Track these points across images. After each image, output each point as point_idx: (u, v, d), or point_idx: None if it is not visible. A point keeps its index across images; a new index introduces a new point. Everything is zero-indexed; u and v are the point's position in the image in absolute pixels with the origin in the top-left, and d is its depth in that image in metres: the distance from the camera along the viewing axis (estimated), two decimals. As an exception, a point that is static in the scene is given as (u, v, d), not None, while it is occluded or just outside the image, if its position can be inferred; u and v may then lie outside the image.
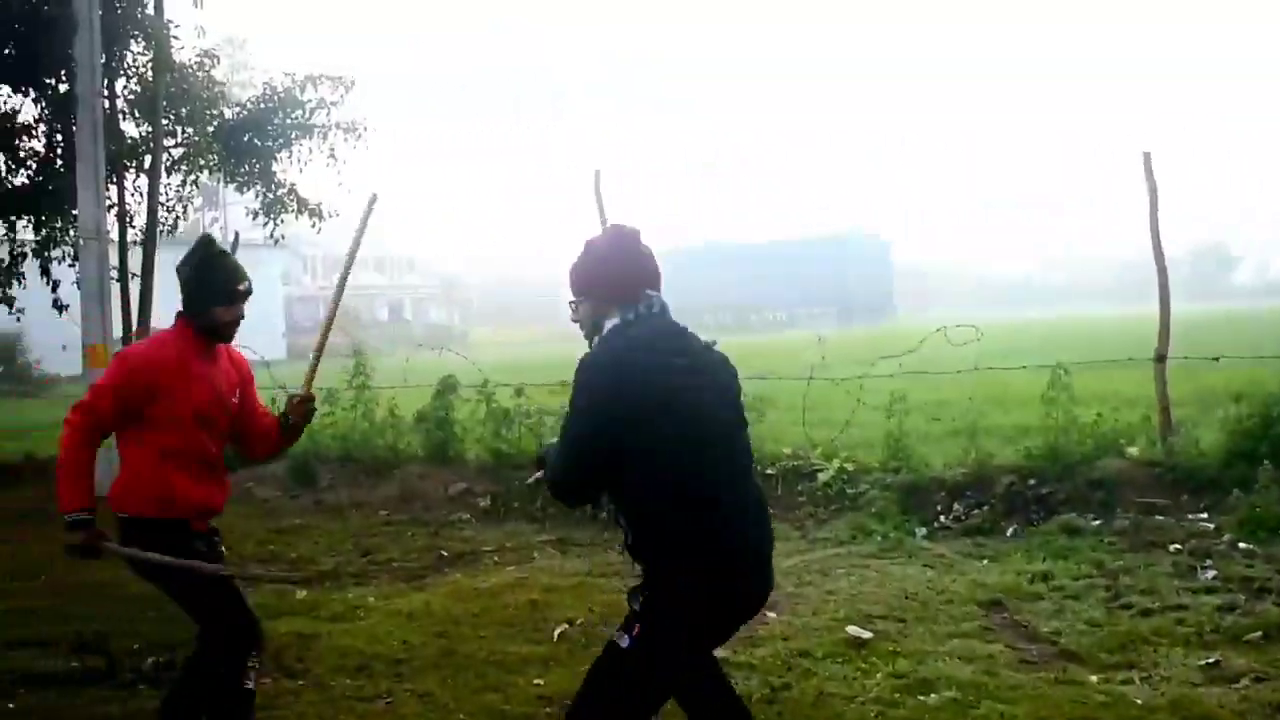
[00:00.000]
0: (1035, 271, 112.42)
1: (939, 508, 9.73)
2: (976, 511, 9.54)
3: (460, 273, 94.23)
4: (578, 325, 4.03)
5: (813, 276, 75.42)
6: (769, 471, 10.51)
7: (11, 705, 5.96)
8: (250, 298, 4.75)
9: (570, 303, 4.03)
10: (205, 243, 4.80)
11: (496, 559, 9.29)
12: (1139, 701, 5.38)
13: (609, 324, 3.87)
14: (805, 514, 9.92)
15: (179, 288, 4.71)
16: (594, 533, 10.05)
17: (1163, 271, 10.20)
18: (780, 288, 75.01)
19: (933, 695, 5.52)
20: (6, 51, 15.16)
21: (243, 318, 4.73)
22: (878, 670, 5.90)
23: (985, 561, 8.37)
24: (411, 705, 5.73)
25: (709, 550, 3.67)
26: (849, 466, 10.35)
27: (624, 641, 3.69)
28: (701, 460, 3.69)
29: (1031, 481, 9.73)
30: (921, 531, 9.26)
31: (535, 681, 6.03)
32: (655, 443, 3.64)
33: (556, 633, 6.94)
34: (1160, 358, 10.07)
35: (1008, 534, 9.14)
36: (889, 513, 9.44)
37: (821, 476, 10.28)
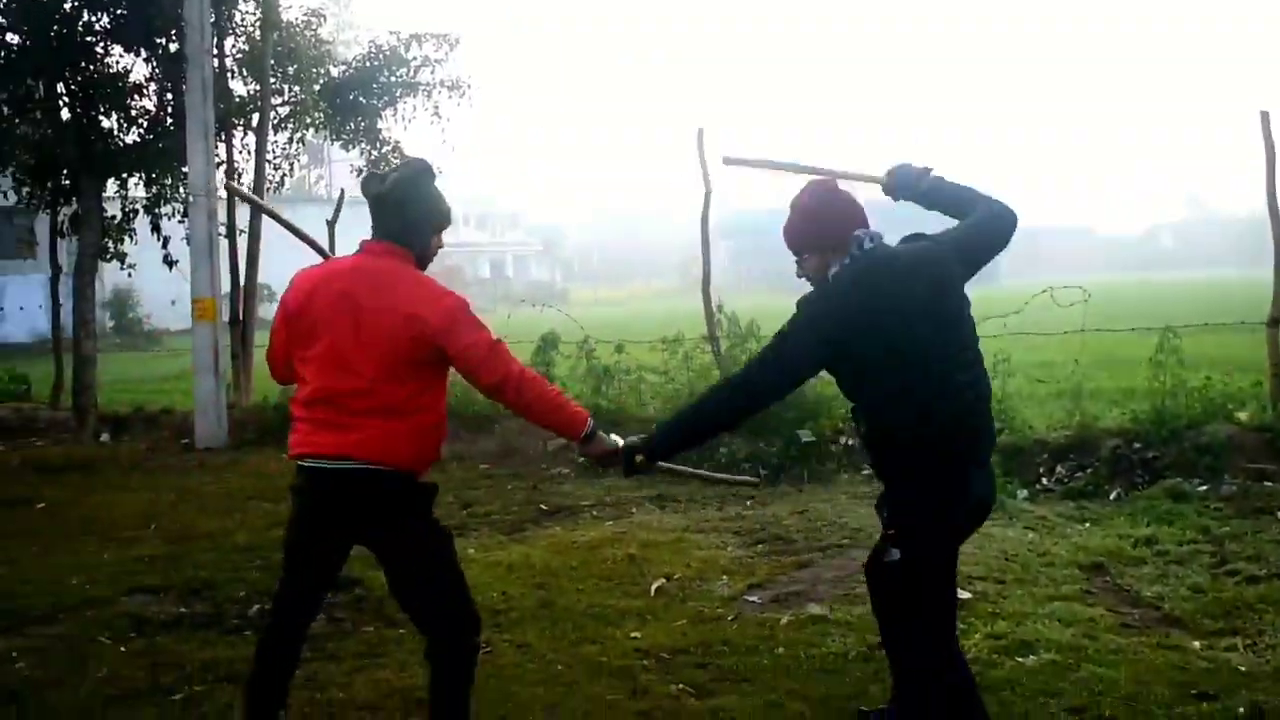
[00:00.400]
0: (1148, 234, 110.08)
1: (1041, 470, 9.63)
2: (1080, 474, 9.42)
3: (562, 230, 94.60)
4: (806, 279, 4.26)
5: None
6: (868, 431, 10.43)
7: (123, 649, 6.13)
8: None
9: (796, 260, 4.27)
10: (427, 166, 4.38)
11: (595, 513, 9.37)
12: (1242, 669, 5.30)
13: (834, 269, 4.11)
14: (904, 474, 9.86)
15: (387, 215, 4.23)
16: (691, 489, 10.08)
17: (1279, 234, 9.95)
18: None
19: (1031, 657, 5.48)
20: (119, 12, 15.43)
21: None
22: (976, 631, 5.86)
23: (1087, 525, 8.27)
24: (510, 655, 5.81)
25: (949, 446, 3.98)
26: (949, 426, 10.24)
27: (893, 556, 4.00)
28: (939, 359, 3.99)
29: (1137, 445, 9.58)
30: (1023, 494, 9.17)
31: (632, 634, 6.08)
32: (893, 352, 3.92)
33: (654, 587, 6.99)
34: (1274, 321, 9.83)
35: (1111, 498, 9.02)
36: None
37: (922, 437, 10.19)
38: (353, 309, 4.06)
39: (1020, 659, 5.44)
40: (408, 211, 4.19)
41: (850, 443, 10.39)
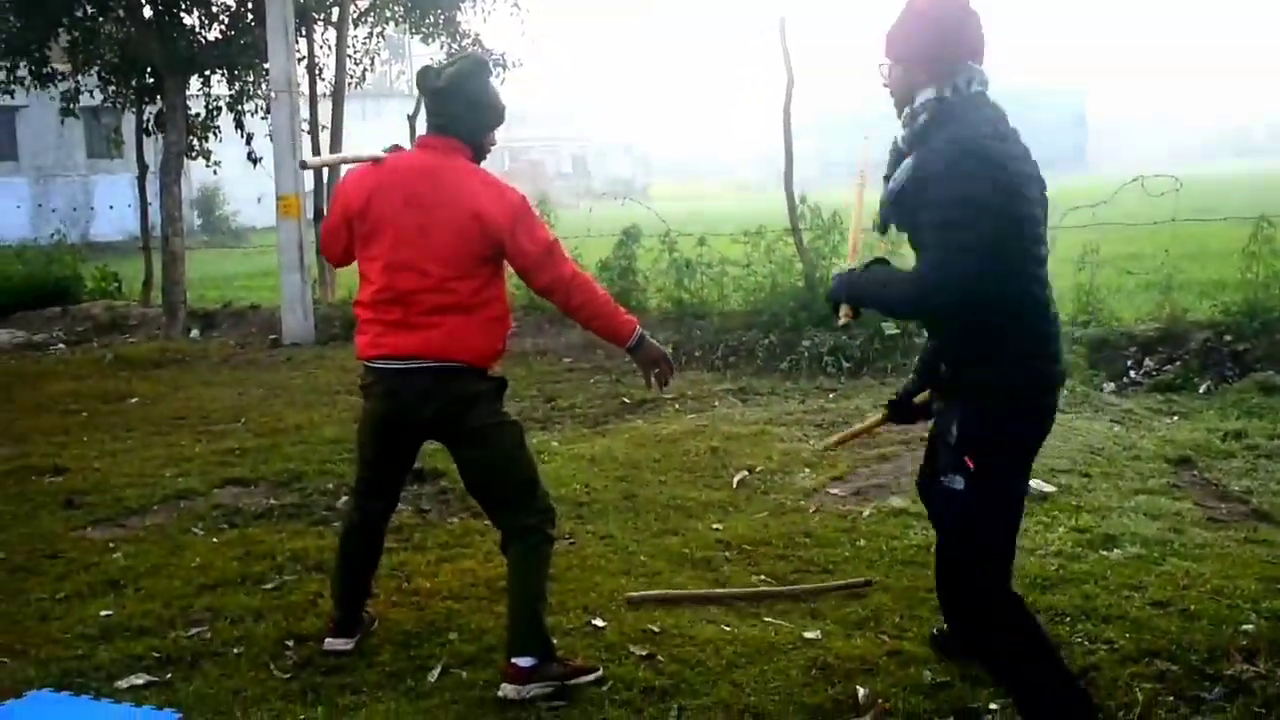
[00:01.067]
0: (1241, 125, 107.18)
1: (1129, 363, 9.50)
2: (1168, 367, 9.29)
3: (643, 126, 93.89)
4: (887, 90, 3.71)
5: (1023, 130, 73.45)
6: (952, 323, 10.36)
7: (216, 539, 6.28)
8: None
9: (880, 65, 3.69)
10: (484, 61, 4.41)
11: (677, 407, 9.40)
12: (1333, 561, 5.25)
13: (921, 97, 3.54)
14: (989, 367, 9.78)
15: (443, 109, 4.21)
16: (774, 382, 10.09)
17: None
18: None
19: (1116, 550, 5.45)
20: (199, -93, 15.43)
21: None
22: (1060, 524, 5.84)
23: (1175, 418, 8.18)
24: (593, 546, 5.87)
25: (1043, 364, 3.61)
26: (1036, 319, 10.13)
27: (957, 484, 3.53)
28: (1044, 262, 3.59)
29: (1227, 338, 9.42)
30: (1110, 386, 9.07)
31: (714, 526, 6.13)
32: (1011, 242, 3.39)
33: (736, 479, 7.02)
34: (1371, 209, 9.59)
35: (1200, 391, 8.90)
36: (1076, 366, 9.23)
37: (1007, 329, 10.09)
38: (418, 207, 4.09)
39: (1105, 553, 5.42)
40: (463, 106, 4.18)
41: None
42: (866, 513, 6.20)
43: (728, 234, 12.09)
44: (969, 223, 3.28)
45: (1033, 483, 6.42)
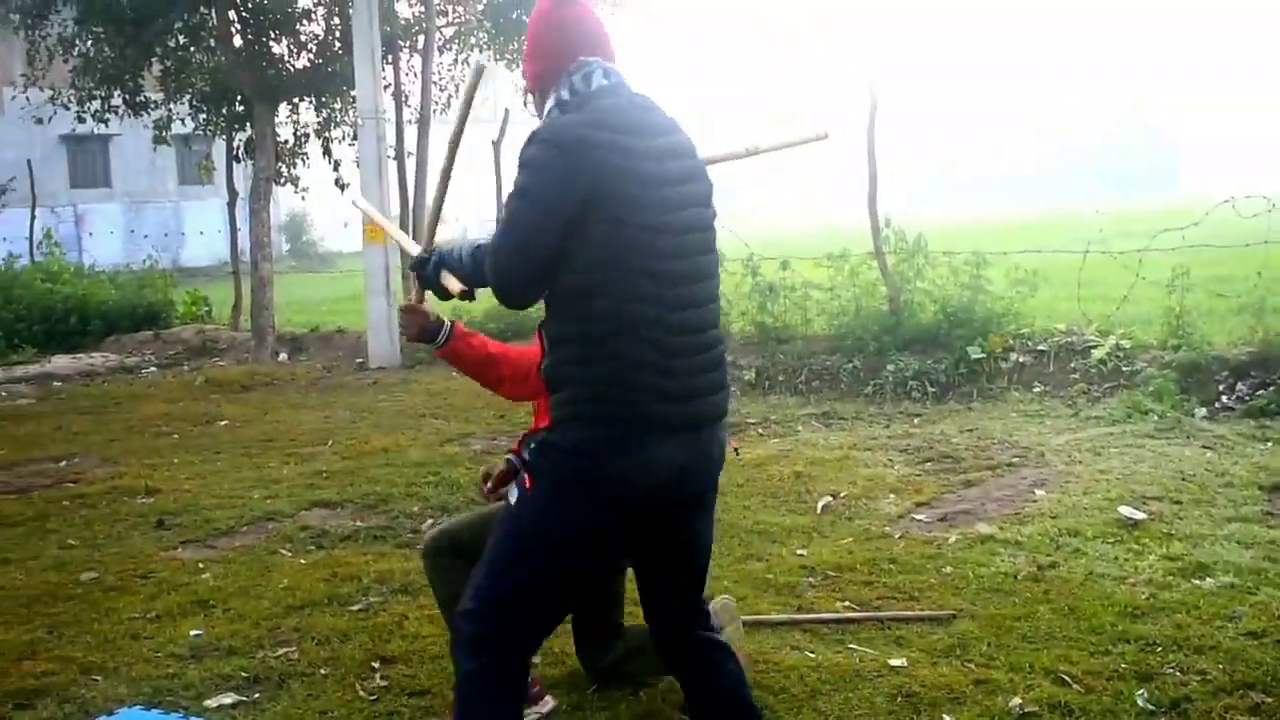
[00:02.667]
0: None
1: (1220, 388, 9.33)
2: (1262, 392, 9.10)
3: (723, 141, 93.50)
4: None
5: (1088, 148, 72.75)
6: (1040, 347, 10.27)
7: (303, 560, 6.36)
8: None
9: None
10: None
11: (760, 431, 9.38)
12: None
13: (550, 100, 3.28)
14: (1077, 391, 9.68)
15: None
16: (858, 407, 10.04)
17: None
18: (1048, 159, 72.73)
19: (1208, 579, 5.35)
20: (288, -62, 15.72)
21: None
22: (1150, 552, 5.75)
23: (1269, 444, 8.01)
24: (677, 571, 5.87)
25: (643, 397, 3.07)
26: (1125, 343, 10.01)
27: (512, 496, 3.19)
28: (672, 279, 3.11)
29: (1322, 362, 9.23)
30: (1201, 412, 8.92)
31: (798, 552, 6.10)
32: (608, 245, 3.03)
33: (820, 505, 6.99)
34: None
35: (1295, 416, 8.73)
36: (1166, 391, 9.11)
37: (1096, 353, 9.97)
38: None
39: (1196, 581, 5.33)
40: None
41: (1022, 360, 10.22)
42: (952, 539, 6.15)
43: (811, 258, 12.05)
44: (522, 216, 3.04)
45: (1123, 509, 6.35)
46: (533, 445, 3.19)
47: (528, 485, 3.14)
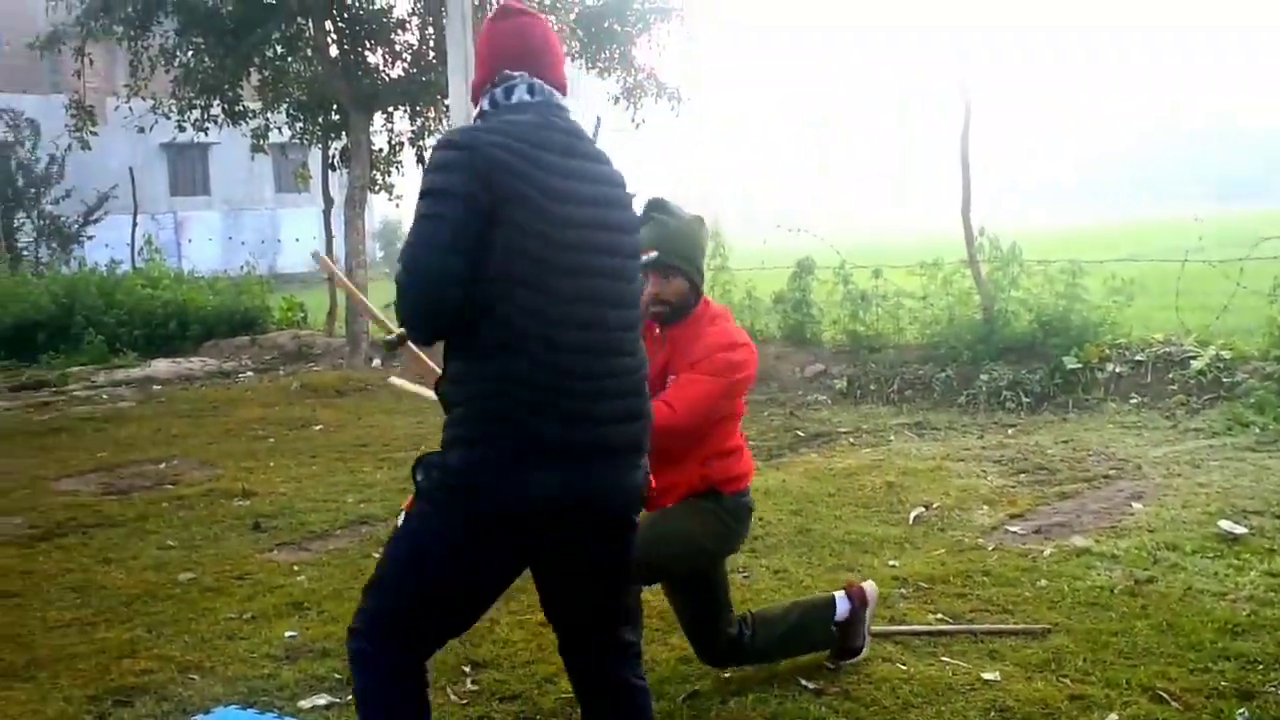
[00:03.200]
0: None
1: (1323, 400, 9.14)
2: (1368, 404, 8.90)
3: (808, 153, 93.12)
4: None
5: (1189, 158, 71.61)
6: (1137, 358, 10.12)
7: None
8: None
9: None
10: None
11: (852, 440, 9.33)
12: None
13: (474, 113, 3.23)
14: (1176, 403, 9.51)
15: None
16: (951, 417, 9.96)
17: None
18: (1152, 166, 71.66)
19: (1313, 595, 5.24)
20: (383, -52, 15.90)
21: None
22: (1251, 568, 5.63)
23: (1377, 458, 7.83)
24: (767, 580, 5.85)
25: (531, 417, 2.92)
26: (1225, 354, 9.82)
27: (399, 519, 3.12)
28: (563, 295, 2.96)
29: None
30: (1305, 425, 8.73)
31: (890, 563, 6.05)
32: (508, 251, 2.90)
33: (912, 515, 6.93)
34: None
35: (1403, 429, 8.51)
36: (1269, 404, 8.92)
37: (1195, 364, 9.80)
38: None
39: (1300, 597, 5.21)
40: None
41: (1119, 370, 10.07)
42: (1047, 552, 6.06)
43: (903, 266, 11.97)
44: (433, 212, 2.90)
45: (1223, 524, 6.24)
46: (419, 464, 3.05)
47: (408, 505, 3.08)
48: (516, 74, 3.16)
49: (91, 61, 16.55)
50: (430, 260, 2.88)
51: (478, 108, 3.21)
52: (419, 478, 3.02)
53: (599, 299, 3.03)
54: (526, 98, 3.14)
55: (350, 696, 4.57)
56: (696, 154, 67.17)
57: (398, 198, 18.75)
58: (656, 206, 4.20)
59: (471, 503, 2.93)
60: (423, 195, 2.96)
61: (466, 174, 2.90)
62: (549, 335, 2.93)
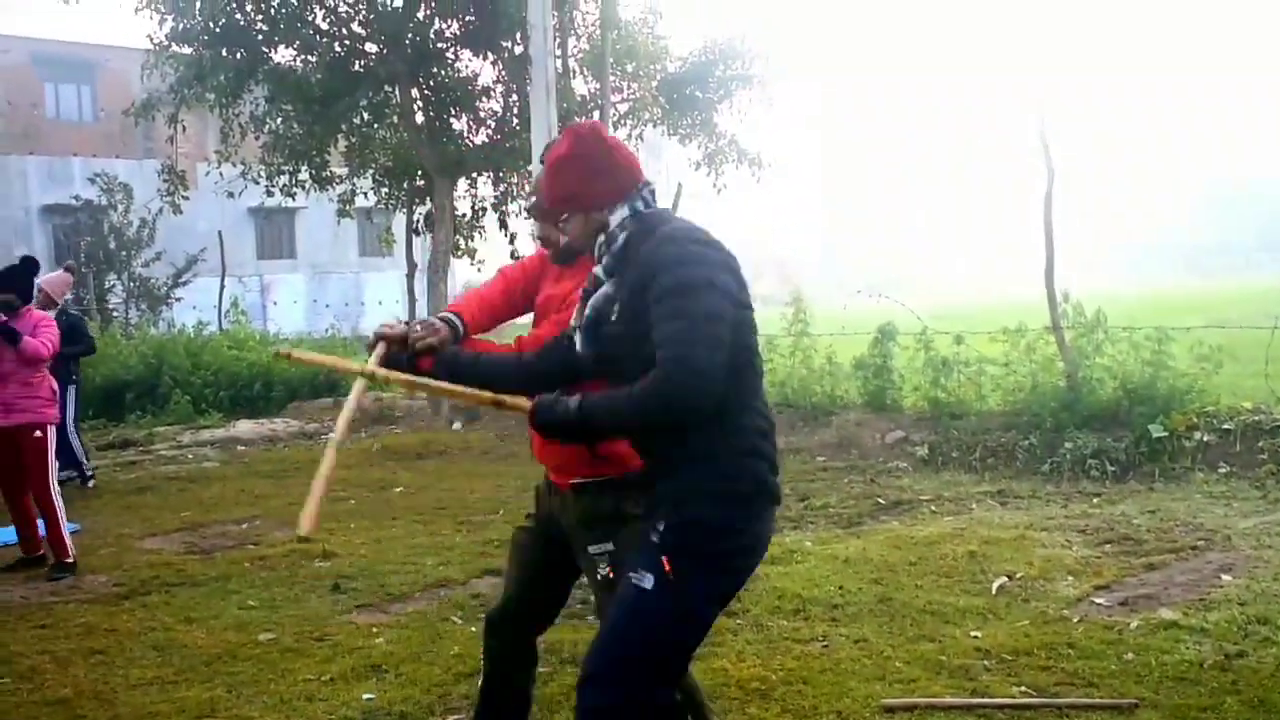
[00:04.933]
0: None
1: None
2: None
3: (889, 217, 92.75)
4: (556, 245, 3.70)
5: (1262, 217, 70.60)
6: (1225, 426, 9.94)
7: (474, 629, 6.42)
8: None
9: (560, 225, 3.52)
10: None
11: (933, 508, 9.23)
12: None
13: (615, 219, 3.34)
14: (1266, 472, 9.33)
15: None
16: (1034, 485, 9.83)
17: None
18: (1236, 228, 70.62)
19: None
20: (468, 18, 16.16)
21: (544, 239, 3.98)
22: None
23: None
24: (847, 650, 5.79)
25: (766, 469, 3.23)
26: (1317, 423, 9.64)
27: (647, 583, 3.14)
28: (759, 358, 3.33)
29: None
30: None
31: (973, 634, 5.97)
32: (741, 334, 3.17)
33: (995, 585, 6.84)
34: None
35: None
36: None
37: (1285, 433, 9.63)
38: None
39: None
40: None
41: (1207, 439, 9.90)
42: (1134, 624, 5.95)
43: (986, 332, 11.88)
44: (711, 306, 3.06)
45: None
46: (662, 527, 3.16)
47: (667, 568, 3.13)
48: (648, 182, 3.41)
49: (184, 128, 16.95)
50: (711, 355, 3.01)
51: (623, 211, 3.34)
52: (672, 540, 3.14)
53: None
54: (654, 204, 3.39)
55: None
56: (776, 218, 67.24)
57: (480, 262, 18.94)
58: None
59: (742, 554, 3.22)
60: (690, 289, 3.07)
61: (724, 269, 3.16)
62: (761, 393, 3.31)
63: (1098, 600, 6.48)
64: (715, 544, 3.15)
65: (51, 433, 8.26)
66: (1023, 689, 5.17)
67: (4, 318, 8.08)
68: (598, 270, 3.39)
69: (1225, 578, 6.71)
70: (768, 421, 3.29)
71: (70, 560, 8.12)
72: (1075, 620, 6.11)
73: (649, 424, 3.12)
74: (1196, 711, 4.74)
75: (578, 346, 3.43)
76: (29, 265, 8.61)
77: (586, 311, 3.38)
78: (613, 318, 3.27)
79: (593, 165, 3.35)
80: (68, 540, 8.16)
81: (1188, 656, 5.43)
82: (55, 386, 8.40)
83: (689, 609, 3.17)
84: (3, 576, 8.08)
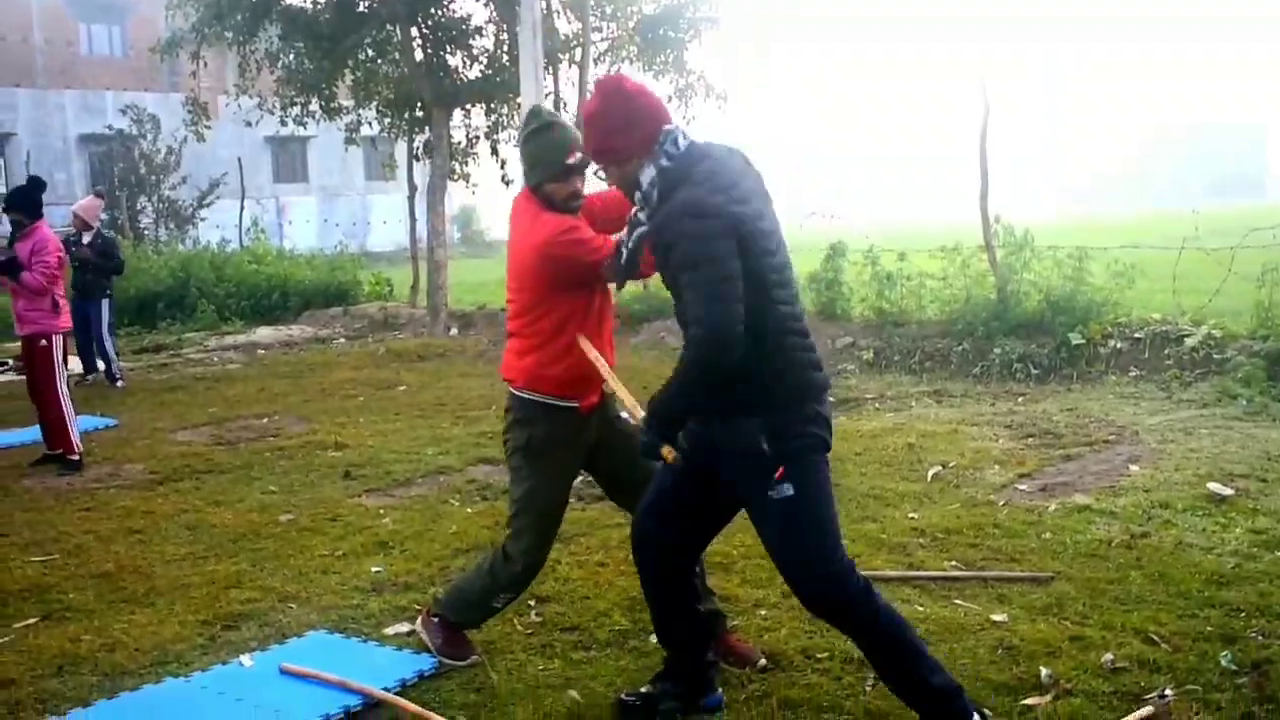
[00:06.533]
0: None
1: (1308, 373, 8.98)
2: (1352, 377, 8.74)
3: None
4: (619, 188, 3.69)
5: (1190, 156, 70.60)
6: (1137, 335, 9.99)
7: (469, 510, 6.46)
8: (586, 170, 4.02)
9: (596, 173, 3.70)
10: (532, 114, 4.19)
11: (877, 405, 9.28)
12: None
13: (645, 177, 3.42)
14: (1171, 376, 9.39)
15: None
16: (967, 386, 9.89)
17: None
18: (1187, 168, 70.70)
19: (1292, 551, 5.17)
20: (463, -37, 15.90)
21: (578, 192, 4.02)
22: (1236, 525, 5.57)
23: (1355, 427, 7.70)
24: (799, 530, 5.83)
25: (816, 376, 3.46)
26: (1216, 333, 9.68)
27: (786, 491, 3.34)
28: (786, 283, 3.41)
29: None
30: (1288, 397, 8.60)
31: (910, 515, 6.03)
32: (752, 277, 3.24)
33: (930, 473, 6.90)
34: None
35: (1380, 402, 8.36)
36: (1255, 378, 8.79)
37: (1189, 341, 9.67)
38: (511, 243, 4.10)
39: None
40: (525, 164, 4.08)
41: (1120, 346, 9.95)
42: (1052, 508, 6.02)
43: (926, 250, 11.87)
44: (712, 270, 3.18)
45: (1211, 485, 6.17)
46: (764, 437, 3.34)
47: (780, 473, 3.34)
48: (670, 127, 3.44)
49: (205, 64, 16.74)
50: (726, 308, 3.17)
51: (650, 171, 3.40)
52: (779, 446, 3.34)
53: (789, 277, 3.46)
54: (686, 142, 3.43)
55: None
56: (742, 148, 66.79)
57: (474, 185, 18.83)
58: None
59: (828, 431, 3.48)
60: (695, 259, 3.21)
61: (716, 235, 3.20)
62: (796, 313, 3.43)
63: (1020, 487, 6.54)
64: (804, 440, 3.38)
65: (57, 341, 8.06)
66: (953, 563, 5.24)
67: (11, 253, 7.97)
68: (641, 216, 3.53)
69: (1133, 468, 6.77)
70: (801, 325, 3.44)
71: (76, 457, 7.99)
72: (1000, 504, 6.17)
73: (705, 385, 3.27)
74: (1105, 583, 4.81)
75: (621, 259, 3.68)
76: (34, 184, 8.41)
77: (630, 242, 3.61)
78: (657, 247, 3.42)
79: (615, 120, 3.44)
80: (75, 438, 8.03)
81: (1098, 536, 5.50)
82: (60, 299, 8.10)
83: (818, 489, 3.40)
84: (40, 468, 8.04)
